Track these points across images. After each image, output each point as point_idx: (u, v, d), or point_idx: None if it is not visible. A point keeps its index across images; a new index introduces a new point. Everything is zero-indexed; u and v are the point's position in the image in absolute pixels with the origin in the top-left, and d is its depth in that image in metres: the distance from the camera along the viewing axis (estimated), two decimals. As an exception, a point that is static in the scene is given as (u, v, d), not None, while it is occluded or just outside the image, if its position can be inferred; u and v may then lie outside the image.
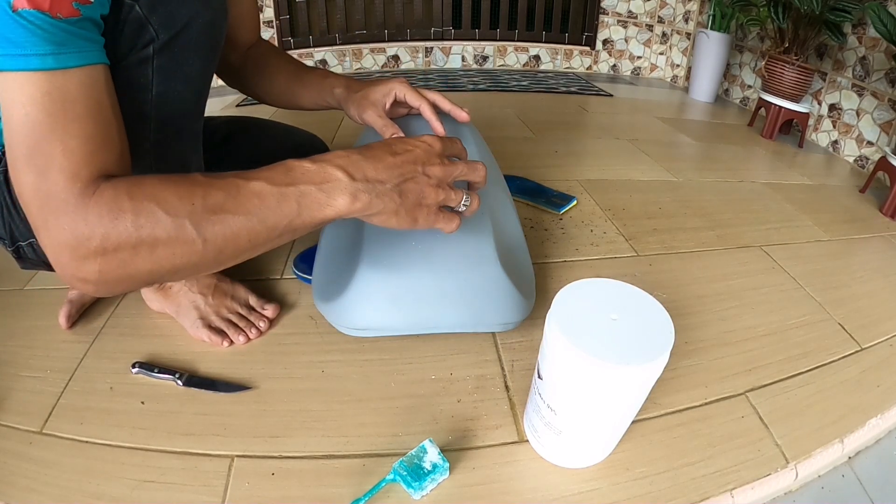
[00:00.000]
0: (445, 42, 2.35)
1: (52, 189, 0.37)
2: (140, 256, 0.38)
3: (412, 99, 0.68)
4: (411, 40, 2.30)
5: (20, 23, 0.34)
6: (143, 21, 0.46)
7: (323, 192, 0.41)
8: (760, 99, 1.73)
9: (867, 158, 1.55)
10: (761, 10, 1.75)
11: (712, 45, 2.02)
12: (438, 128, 0.68)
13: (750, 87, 2.08)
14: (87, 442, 0.54)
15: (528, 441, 0.56)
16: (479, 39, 2.38)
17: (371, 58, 2.29)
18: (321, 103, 0.76)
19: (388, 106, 0.70)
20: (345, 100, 0.73)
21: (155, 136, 0.54)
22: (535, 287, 0.72)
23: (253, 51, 0.79)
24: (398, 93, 0.69)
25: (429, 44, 2.33)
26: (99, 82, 0.40)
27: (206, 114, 0.88)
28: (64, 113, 0.37)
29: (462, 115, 0.71)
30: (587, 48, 2.48)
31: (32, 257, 0.58)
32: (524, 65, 2.48)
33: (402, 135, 0.66)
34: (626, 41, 2.47)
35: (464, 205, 0.52)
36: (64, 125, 0.37)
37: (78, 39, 0.38)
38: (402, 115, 0.74)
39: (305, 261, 0.81)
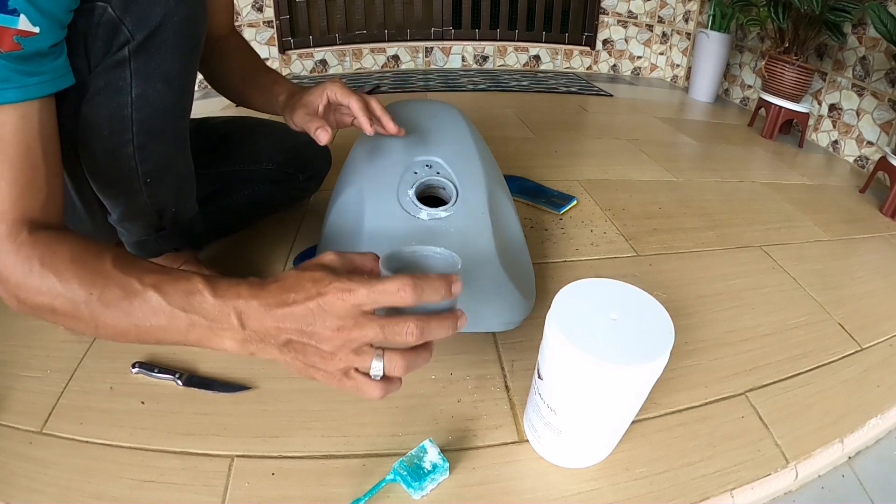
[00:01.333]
0: (445, 42, 2.35)
1: None
2: (43, 312, 0.40)
3: (342, 96, 0.64)
4: (411, 40, 2.30)
5: None
6: (117, 22, 0.46)
7: (212, 331, 0.38)
8: (760, 99, 1.73)
9: (867, 158, 1.55)
10: (761, 10, 1.75)
11: (712, 45, 2.02)
12: (365, 124, 0.63)
13: (750, 87, 2.08)
14: (87, 442, 0.54)
15: (528, 441, 0.56)
16: (479, 39, 2.38)
17: (371, 58, 2.29)
18: (269, 109, 0.74)
19: (321, 108, 0.65)
20: (283, 107, 0.69)
21: (138, 140, 0.53)
22: (535, 287, 0.72)
23: (221, 44, 0.77)
24: (329, 93, 0.65)
25: (429, 44, 2.33)
26: (32, 122, 0.40)
27: (206, 114, 0.88)
28: None
29: (391, 127, 0.65)
30: (587, 48, 2.48)
31: None
32: (524, 65, 2.48)
33: (326, 129, 0.61)
34: (626, 41, 2.47)
35: (374, 373, 0.39)
36: None
37: (17, 75, 0.38)
38: (347, 123, 0.69)
39: (305, 261, 0.81)
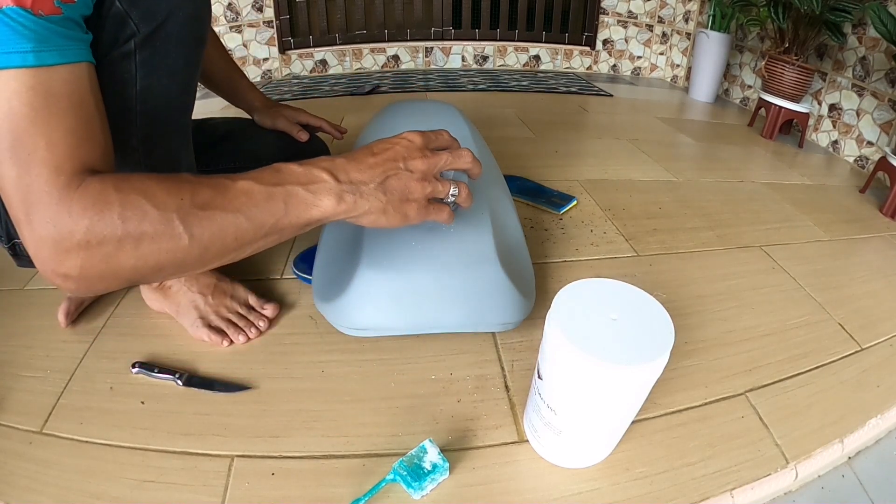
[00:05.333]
0: (445, 42, 2.35)
1: (35, 182, 0.37)
2: (124, 251, 0.38)
3: (311, 119, 0.96)
4: (411, 40, 2.30)
5: (3, 20, 0.35)
6: (124, 15, 0.46)
7: (309, 192, 0.42)
8: (760, 99, 1.73)
9: (867, 158, 1.55)
10: (761, 10, 1.75)
11: (712, 45, 2.02)
12: (331, 129, 0.98)
13: (750, 87, 2.08)
14: (87, 442, 0.54)
15: (528, 441, 0.56)
16: (479, 39, 2.38)
17: (371, 58, 2.29)
18: (233, 101, 0.94)
19: (296, 120, 0.93)
20: (257, 109, 0.94)
21: (142, 132, 0.54)
22: (535, 287, 0.72)
23: None
24: (301, 117, 0.95)
25: (429, 44, 2.33)
26: (82, 79, 0.40)
27: (205, 114, 0.88)
28: (47, 108, 0.37)
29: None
30: (587, 48, 2.48)
31: (28, 254, 0.58)
32: (524, 65, 2.48)
33: (305, 132, 0.93)
34: (626, 41, 2.47)
35: (452, 195, 0.52)
36: (47, 119, 0.37)
37: (59, 38, 0.38)
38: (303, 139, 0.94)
39: (305, 261, 0.81)
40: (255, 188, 0.40)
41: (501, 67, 2.46)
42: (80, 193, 0.37)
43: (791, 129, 1.81)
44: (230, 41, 2.05)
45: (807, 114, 1.66)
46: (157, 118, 0.54)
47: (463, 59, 2.40)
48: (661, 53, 2.45)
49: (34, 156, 0.37)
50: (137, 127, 0.53)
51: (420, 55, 2.35)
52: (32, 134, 0.37)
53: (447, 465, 0.51)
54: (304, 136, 0.93)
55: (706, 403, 0.64)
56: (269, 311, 0.71)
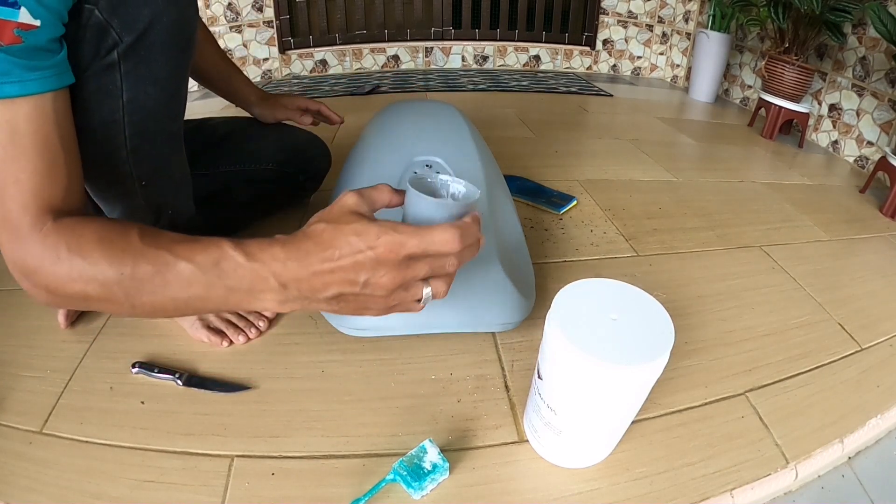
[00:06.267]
0: (445, 42, 2.35)
1: (7, 215, 0.39)
2: (79, 301, 0.40)
3: (308, 104, 0.94)
4: (411, 40, 2.30)
5: None
6: (105, 25, 0.45)
7: (251, 295, 0.39)
8: (760, 99, 1.73)
9: (867, 158, 1.55)
10: (761, 10, 1.75)
11: (712, 45, 2.02)
12: (332, 115, 0.98)
13: (750, 87, 2.08)
14: (87, 442, 0.54)
15: (528, 441, 0.56)
16: (479, 39, 2.38)
17: (371, 58, 2.29)
18: (231, 99, 0.91)
19: (296, 106, 0.92)
20: (254, 104, 0.92)
21: (131, 143, 0.53)
22: (535, 287, 0.72)
23: None
24: (299, 102, 0.93)
25: (429, 44, 2.33)
26: (46, 114, 0.40)
27: (205, 114, 0.88)
28: (13, 145, 0.39)
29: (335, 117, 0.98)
30: (587, 48, 2.48)
31: None
32: (524, 65, 2.48)
33: (308, 121, 0.94)
34: (626, 41, 2.47)
35: (424, 300, 0.43)
36: (13, 158, 0.39)
37: (20, 69, 0.37)
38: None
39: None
40: (195, 276, 0.38)
41: (501, 67, 2.46)
42: (40, 240, 0.39)
43: (791, 129, 1.81)
44: (230, 41, 2.05)
45: (807, 114, 1.66)
46: (146, 128, 0.54)
47: (463, 59, 2.40)
48: (661, 53, 2.45)
49: (4, 191, 0.39)
50: (126, 137, 0.52)
51: (420, 55, 2.35)
52: (1, 170, 0.39)
53: (447, 465, 0.51)
54: (307, 120, 0.95)
55: (706, 403, 0.64)
56: (268, 312, 0.71)
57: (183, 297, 0.39)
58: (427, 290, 0.42)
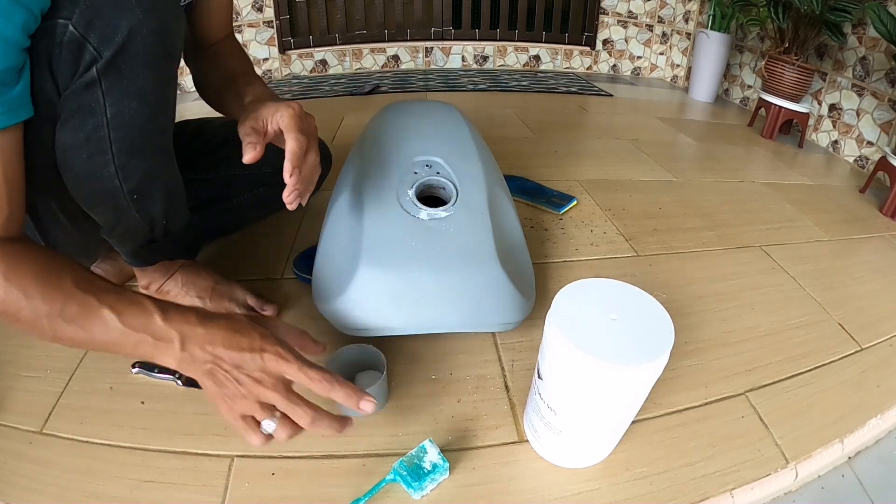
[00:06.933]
0: (445, 42, 2.35)
1: None
2: (8, 320, 0.42)
3: (287, 127, 0.55)
4: (411, 40, 2.30)
5: None
6: (81, 41, 0.43)
7: (156, 348, 0.43)
8: (760, 99, 1.73)
9: (867, 158, 1.55)
10: (761, 10, 1.75)
11: (712, 45, 2.02)
12: (287, 168, 0.53)
13: (750, 87, 2.08)
14: (87, 442, 0.54)
15: (527, 441, 0.56)
16: (479, 39, 2.38)
17: (371, 58, 2.29)
18: (237, 116, 0.62)
19: (269, 125, 0.56)
20: (244, 110, 0.60)
21: (118, 159, 0.51)
22: (535, 287, 0.72)
23: (216, 47, 0.73)
24: (279, 117, 0.56)
25: (429, 44, 2.33)
26: None
27: (205, 115, 0.88)
28: None
29: (290, 199, 0.55)
30: (587, 48, 2.48)
31: None
32: (524, 65, 2.48)
33: (256, 149, 0.53)
34: (626, 41, 2.47)
35: (265, 428, 0.45)
36: None
37: None
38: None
39: (305, 261, 0.81)
40: (113, 324, 0.42)
41: (501, 67, 2.46)
42: None
43: (791, 129, 1.81)
44: (230, 41, 2.05)
45: (807, 114, 1.66)
46: (133, 143, 0.52)
47: (463, 59, 2.40)
48: (661, 53, 2.45)
49: None
50: (112, 154, 0.51)
51: (420, 55, 2.35)
52: None
53: (447, 465, 0.51)
54: (247, 156, 0.54)
55: (706, 403, 0.64)
56: (268, 312, 0.71)
57: (99, 340, 0.43)
58: (271, 423, 0.45)
